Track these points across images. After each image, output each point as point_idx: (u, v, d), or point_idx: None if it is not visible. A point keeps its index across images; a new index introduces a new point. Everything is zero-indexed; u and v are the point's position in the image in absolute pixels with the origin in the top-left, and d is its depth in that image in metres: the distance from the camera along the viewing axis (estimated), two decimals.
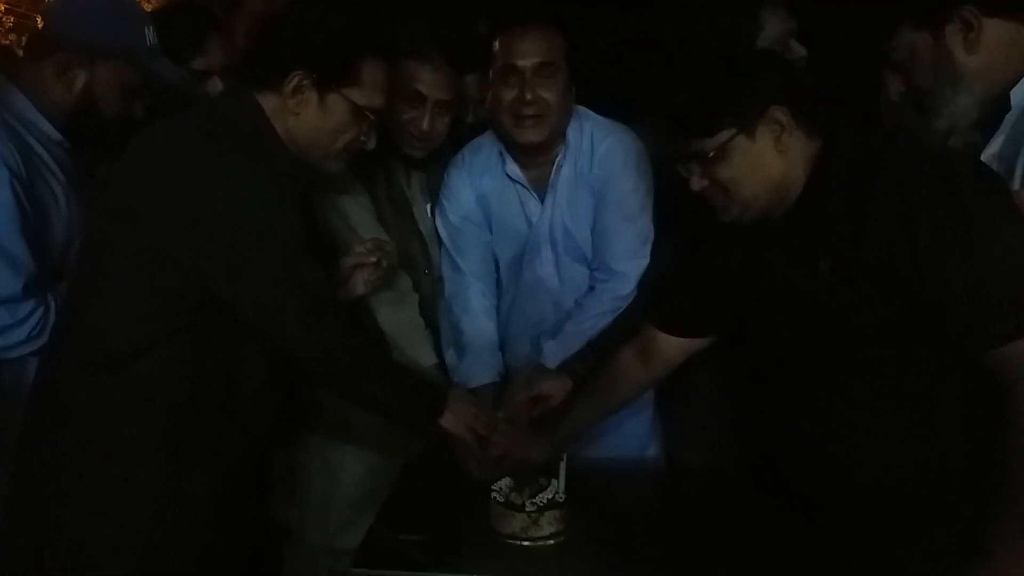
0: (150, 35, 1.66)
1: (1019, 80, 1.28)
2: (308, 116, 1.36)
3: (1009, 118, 1.29)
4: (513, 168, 1.79)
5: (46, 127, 1.62)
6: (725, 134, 1.24)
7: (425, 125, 1.70)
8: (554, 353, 1.73)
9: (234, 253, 1.28)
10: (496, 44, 1.71)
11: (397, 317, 1.75)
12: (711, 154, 1.25)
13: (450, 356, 1.80)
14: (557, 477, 1.48)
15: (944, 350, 1.17)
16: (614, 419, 1.73)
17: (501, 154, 1.80)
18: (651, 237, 1.76)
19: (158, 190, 1.27)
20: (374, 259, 1.63)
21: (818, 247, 1.24)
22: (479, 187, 1.81)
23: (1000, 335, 1.11)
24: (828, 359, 1.27)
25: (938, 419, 1.22)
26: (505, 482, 1.50)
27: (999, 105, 1.30)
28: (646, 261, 1.75)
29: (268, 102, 1.35)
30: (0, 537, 1.36)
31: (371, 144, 1.46)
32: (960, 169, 1.17)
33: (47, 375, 1.38)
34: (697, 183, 1.29)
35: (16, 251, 1.53)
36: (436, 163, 1.86)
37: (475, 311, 1.80)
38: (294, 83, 1.33)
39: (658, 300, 1.64)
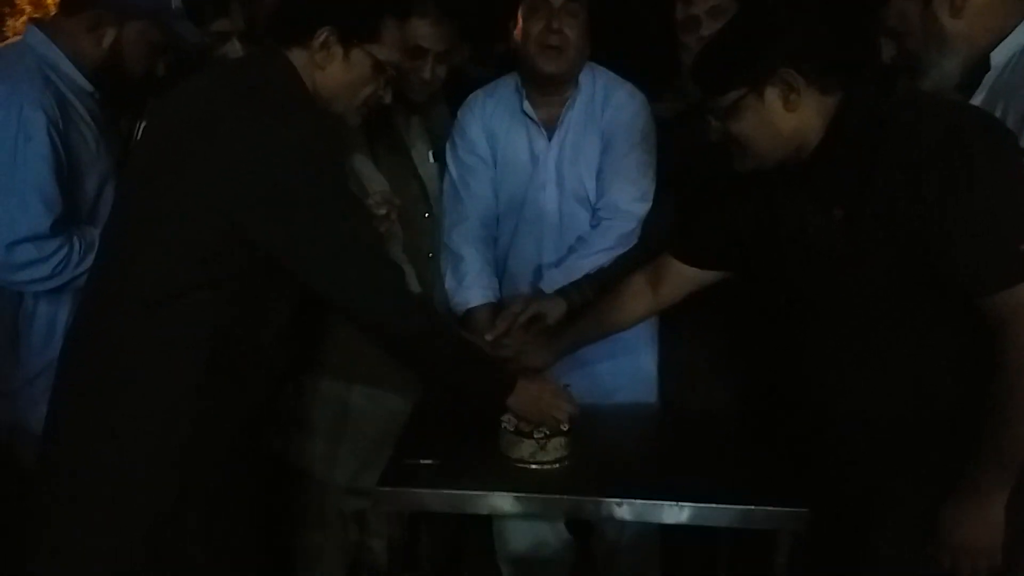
0: None
1: (999, 43, 1.35)
2: (333, 70, 1.42)
3: (988, 78, 1.37)
4: (527, 104, 1.90)
5: (79, 79, 1.68)
6: (735, 93, 1.29)
7: (427, 75, 1.81)
8: (554, 280, 1.85)
9: (289, 206, 1.32)
10: None
11: None
12: (723, 111, 1.31)
13: (448, 280, 1.91)
14: None
15: (943, 296, 1.22)
16: (613, 358, 1.85)
17: (518, 89, 1.91)
18: (653, 187, 1.87)
19: (207, 144, 1.31)
20: (383, 211, 1.70)
21: (833, 195, 1.28)
22: (490, 124, 1.92)
23: (995, 282, 1.16)
24: (835, 299, 1.32)
25: (932, 360, 1.27)
26: None
27: (980, 66, 1.37)
28: (649, 205, 1.86)
29: (296, 58, 1.41)
30: (40, 464, 1.43)
31: (388, 98, 1.53)
32: (968, 123, 1.20)
33: (88, 311, 1.44)
34: (715, 134, 1.35)
35: (49, 191, 1.60)
36: (433, 108, 1.96)
37: (474, 239, 1.91)
38: (322, 39, 1.39)
39: (678, 229, 1.72)
